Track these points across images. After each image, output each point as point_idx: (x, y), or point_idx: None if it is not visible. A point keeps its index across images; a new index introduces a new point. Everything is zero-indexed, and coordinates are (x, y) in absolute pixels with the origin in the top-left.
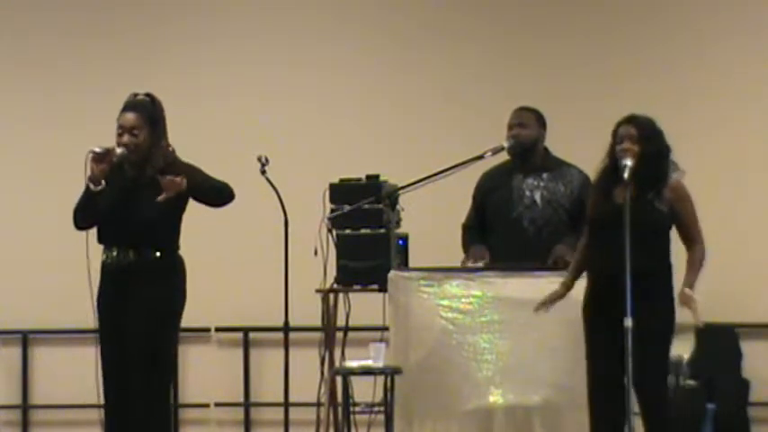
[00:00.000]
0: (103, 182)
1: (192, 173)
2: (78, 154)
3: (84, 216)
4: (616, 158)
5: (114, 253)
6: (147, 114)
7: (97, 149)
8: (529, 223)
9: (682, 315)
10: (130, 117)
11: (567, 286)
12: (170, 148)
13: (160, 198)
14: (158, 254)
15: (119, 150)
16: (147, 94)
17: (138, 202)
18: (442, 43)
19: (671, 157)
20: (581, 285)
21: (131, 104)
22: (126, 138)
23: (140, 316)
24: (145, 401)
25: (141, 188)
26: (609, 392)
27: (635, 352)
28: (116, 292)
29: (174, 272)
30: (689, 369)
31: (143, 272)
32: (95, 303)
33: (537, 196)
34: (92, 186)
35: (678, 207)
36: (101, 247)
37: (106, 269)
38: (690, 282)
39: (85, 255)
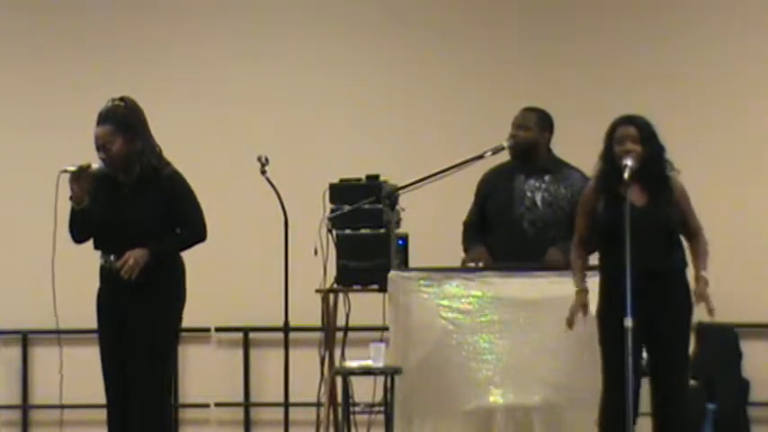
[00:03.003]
0: (86, 198)
1: (175, 198)
2: (77, 155)
3: (78, 232)
4: (614, 160)
5: (113, 258)
6: (118, 122)
7: (69, 168)
8: (529, 225)
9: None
10: (100, 131)
11: (585, 291)
12: (156, 149)
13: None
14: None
15: (94, 166)
16: (122, 98)
17: (132, 207)
18: (441, 44)
19: (666, 157)
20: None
21: (102, 116)
22: (101, 154)
23: (141, 319)
24: (146, 403)
25: (133, 193)
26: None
27: (660, 351)
28: (116, 296)
29: (174, 273)
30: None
31: (142, 276)
32: (96, 307)
33: (538, 198)
34: (75, 206)
35: (681, 204)
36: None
37: (105, 274)
38: (705, 273)
39: (86, 256)
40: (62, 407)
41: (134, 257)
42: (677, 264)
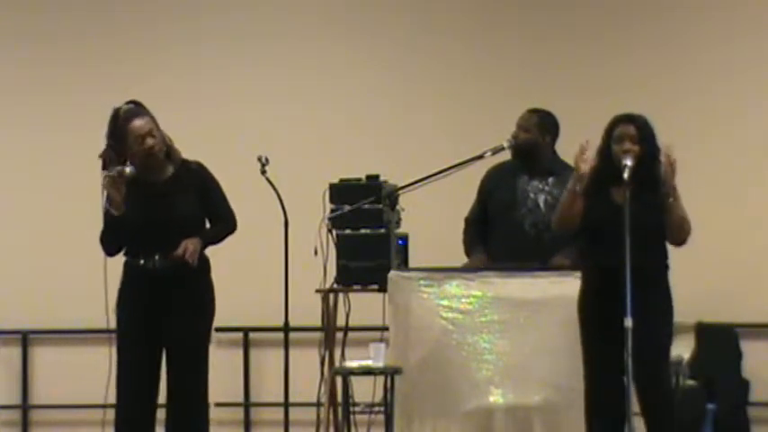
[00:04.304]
0: (123, 206)
1: (207, 189)
2: (77, 155)
3: (113, 241)
4: (610, 157)
5: (154, 257)
6: (150, 116)
7: (112, 173)
8: (530, 226)
9: (680, 315)
10: (144, 122)
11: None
12: (173, 145)
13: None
14: None
15: (128, 170)
16: (132, 101)
17: (171, 204)
18: (441, 44)
19: (660, 158)
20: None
21: (133, 112)
22: (150, 140)
23: (186, 319)
24: (191, 403)
25: (168, 190)
26: (610, 392)
27: (638, 352)
28: (155, 296)
29: (207, 271)
30: (689, 369)
31: (183, 275)
32: (121, 307)
33: (540, 200)
34: (115, 212)
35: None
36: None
37: (141, 275)
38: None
39: (86, 255)
40: (62, 407)
41: (192, 244)
42: (655, 264)
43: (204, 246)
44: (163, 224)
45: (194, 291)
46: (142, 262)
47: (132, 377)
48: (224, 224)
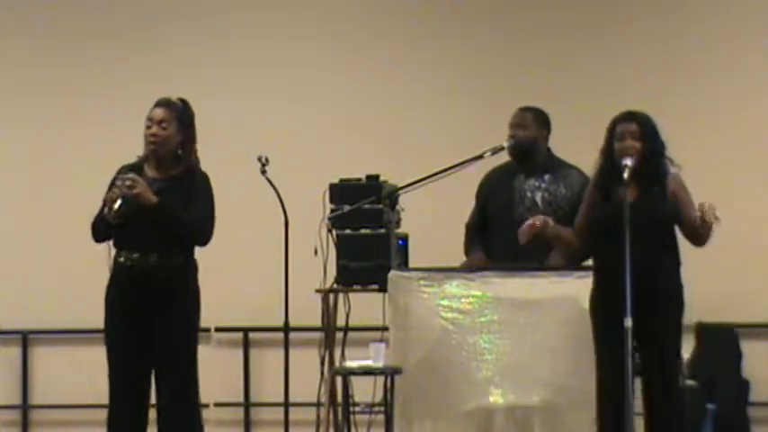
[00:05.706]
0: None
1: (194, 192)
2: (78, 155)
3: (102, 231)
4: (614, 156)
5: (136, 255)
6: (176, 112)
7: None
8: None
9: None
10: (160, 111)
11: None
12: (196, 157)
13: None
14: (181, 256)
15: (115, 206)
16: (181, 99)
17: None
18: (441, 43)
19: (667, 154)
20: (580, 286)
21: (162, 101)
22: (154, 128)
23: (172, 320)
24: (179, 405)
25: (166, 189)
26: (621, 392)
27: (651, 350)
28: (139, 295)
29: (194, 273)
30: (689, 369)
31: (167, 274)
32: (109, 305)
33: (538, 198)
34: (111, 221)
35: (679, 195)
36: (100, 246)
37: (126, 272)
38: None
39: (86, 255)
40: (62, 407)
41: (139, 183)
42: (669, 261)
43: (162, 211)
44: (145, 221)
45: (181, 295)
46: (122, 259)
47: (120, 378)
48: (192, 220)
